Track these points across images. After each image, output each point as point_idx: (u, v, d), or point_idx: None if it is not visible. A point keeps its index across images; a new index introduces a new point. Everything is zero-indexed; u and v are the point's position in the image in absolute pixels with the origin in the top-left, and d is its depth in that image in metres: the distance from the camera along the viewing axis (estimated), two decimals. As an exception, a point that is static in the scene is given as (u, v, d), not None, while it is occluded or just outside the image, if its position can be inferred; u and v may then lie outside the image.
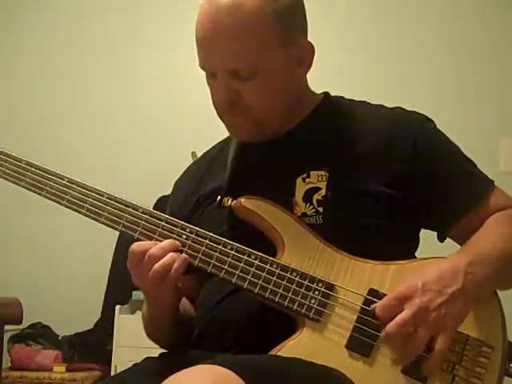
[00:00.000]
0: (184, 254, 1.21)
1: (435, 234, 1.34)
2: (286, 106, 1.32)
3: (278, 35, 1.25)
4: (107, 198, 1.29)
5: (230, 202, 1.29)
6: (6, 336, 2.59)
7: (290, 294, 1.19)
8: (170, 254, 1.21)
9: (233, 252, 1.22)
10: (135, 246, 1.22)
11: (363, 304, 1.18)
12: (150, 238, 1.25)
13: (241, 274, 1.21)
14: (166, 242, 1.22)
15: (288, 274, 1.20)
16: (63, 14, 3.58)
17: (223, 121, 1.34)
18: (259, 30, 1.23)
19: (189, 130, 3.22)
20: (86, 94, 3.51)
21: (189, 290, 1.41)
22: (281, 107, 1.31)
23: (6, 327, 1.94)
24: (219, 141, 1.49)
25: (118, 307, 2.89)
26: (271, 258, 1.22)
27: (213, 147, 1.50)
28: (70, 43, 3.55)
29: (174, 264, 1.20)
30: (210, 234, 1.24)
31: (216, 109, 1.32)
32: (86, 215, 1.29)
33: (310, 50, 1.31)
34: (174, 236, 1.24)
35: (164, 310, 1.29)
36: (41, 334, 3.06)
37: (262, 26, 1.22)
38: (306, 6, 1.33)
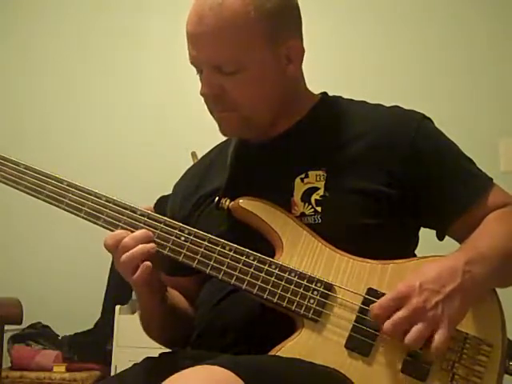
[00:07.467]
0: (147, 262, 1.21)
1: (434, 232, 1.34)
2: (274, 103, 1.31)
3: (262, 33, 1.25)
4: (105, 201, 1.29)
5: (227, 203, 1.29)
6: (6, 336, 2.59)
7: (288, 295, 1.19)
8: (140, 245, 1.21)
9: (231, 253, 1.22)
10: (108, 237, 1.24)
11: (362, 304, 1.18)
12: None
13: (239, 275, 1.20)
14: (138, 232, 1.23)
15: (286, 275, 1.20)
16: (63, 13, 3.58)
17: (214, 117, 1.34)
18: (241, 26, 1.24)
19: (189, 130, 3.22)
20: (86, 93, 3.51)
21: (186, 292, 1.42)
22: (268, 104, 1.31)
23: (6, 327, 1.94)
24: (218, 143, 1.49)
25: (117, 307, 2.89)
26: (269, 259, 1.22)
27: (212, 149, 1.51)
28: (69, 43, 3.55)
29: (139, 270, 1.20)
30: (209, 235, 1.24)
31: (206, 105, 1.33)
32: (85, 218, 1.29)
33: (299, 50, 1.32)
34: (173, 238, 1.25)
35: (147, 300, 1.30)
36: (41, 333, 3.06)
37: (244, 23, 1.24)
38: (303, 5, 1.34)
